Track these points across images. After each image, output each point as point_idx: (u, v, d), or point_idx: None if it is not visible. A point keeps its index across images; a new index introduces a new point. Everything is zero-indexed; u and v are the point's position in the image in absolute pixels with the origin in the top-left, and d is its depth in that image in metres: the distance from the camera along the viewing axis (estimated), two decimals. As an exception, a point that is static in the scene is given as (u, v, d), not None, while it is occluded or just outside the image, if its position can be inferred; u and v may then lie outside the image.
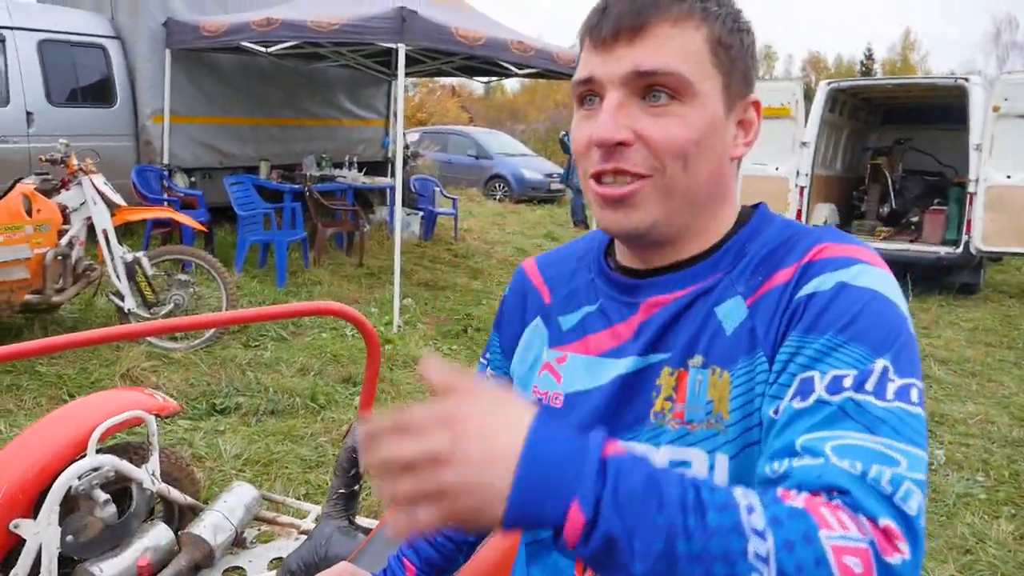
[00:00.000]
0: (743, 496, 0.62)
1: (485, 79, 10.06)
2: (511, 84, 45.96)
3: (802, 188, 8.29)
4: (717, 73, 0.81)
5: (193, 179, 8.02)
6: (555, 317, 0.96)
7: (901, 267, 8.12)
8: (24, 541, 1.75)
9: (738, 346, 0.79)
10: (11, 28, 6.91)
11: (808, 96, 8.66)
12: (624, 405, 0.85)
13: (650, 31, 0.79)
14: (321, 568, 1.29)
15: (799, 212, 8.27)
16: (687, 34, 0.80)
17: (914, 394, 0.70)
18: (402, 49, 6.00)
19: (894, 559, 0.61)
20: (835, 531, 0.60)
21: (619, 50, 0.79)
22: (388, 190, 8.98)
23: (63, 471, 1.80)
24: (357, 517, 1.74)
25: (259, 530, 2.22)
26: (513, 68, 8.27)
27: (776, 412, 0.73)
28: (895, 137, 9.95)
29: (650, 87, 0.79)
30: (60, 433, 1.89)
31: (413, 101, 27.39)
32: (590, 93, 0.83)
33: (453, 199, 10.09)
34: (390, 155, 10.06)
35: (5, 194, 4.34)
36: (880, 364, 0.70)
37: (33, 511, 1.78)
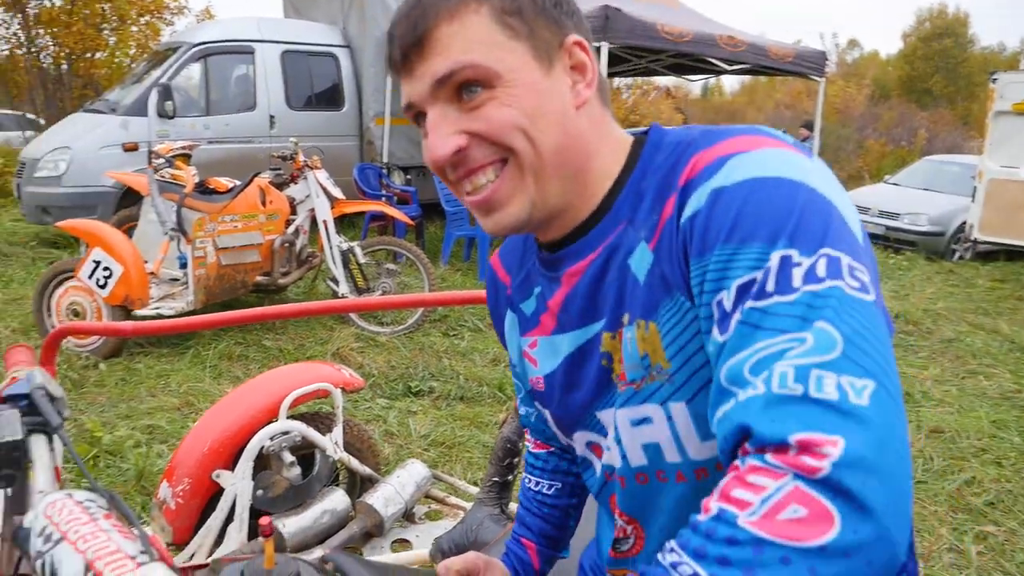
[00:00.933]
0: (664, 559, 0.60)
1: (696, 77, 9.78)
2: (730, 84, 44.34)
3: (1062, 193, 7.22)
4: (517, 43, 0.76)
5: (409, 177, 8.55)
6: (517, 305, 0.96)
7: None
8: (222, 490, 1.94)
9: (654, 293, 0.75)
10: (260, 41, 7.78)
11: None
12: (584, 376, 0.86)
13: (431, 39, 0.76)
14: (469, 551, 1.30)
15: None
16: (467, 24, 0.76)
17: (822, 267, 0.63)
18: (605, 47, 5.98)
19: (823, 465, 0.54)
20: (752, 503, 0.56)
21: (417, 69, 0.77)
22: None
23: (258, 432, 1.97)
24: (510, 505, 1.74)
25: (429, 507, 2.30)
26: (723, 65, 7.96)
27: (708, 349, 0.69)
28: None
29: (457, 87, 0.76)
30: (258, 398, 2.07)
31: (627, 103, 27.30)
32: (420, 115, 0.80)
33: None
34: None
35: (244, 187, 4.87)
36: (777, 256, 0.64)
37: (231, 464, 1.97)
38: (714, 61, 7.72)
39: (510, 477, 1.73)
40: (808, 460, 0.55)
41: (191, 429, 2.06)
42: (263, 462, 2.01)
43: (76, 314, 4.39)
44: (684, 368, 0.74)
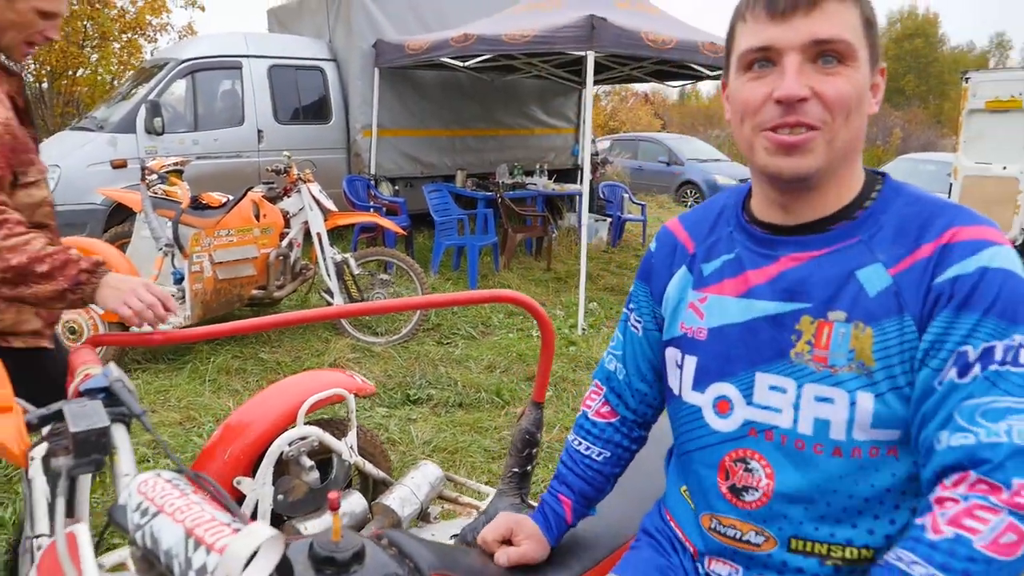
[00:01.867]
0: (907, 567, 0.85)
1: (678, 83, 9.92)
2: (706, 89, 44.76)
3: (1036, 188, 7.40)
4: (866, 43, 0.97)
5: (396, 188, 8.61)
6: (698, 264, 1.13)
7: None
8: (244, 496, 2.00)
9: (882, 307, 0.95)
10: (247, 56, 7.83)
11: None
12: (763, 341, 1.03)
13: (822, 5, 0.93)
14: (500, 517, 1.39)
15: (1032, 216, 7.39)
16: (849, 10, 0.95)
17: None
18: (591, 56, 6.08)
19: None
20: (982, 531, 0.82)
21: (796, 21, 0.94)
22: (576, 196, 9.11)
23: (277, 438, 2.03)
24: (529, 496, 1.81)
25: (442, 508, 2.36)
26: (705, 71, 8.10)
27: (939, 383, 0.91)
28: None
29: (822, 53, 0.94)
30: (275, 405, 2.12)
31: (605, 110, 27.49)
32: (764, 59, 0.97)
33: (642, 205, 10.04)
34: (579, 162, 10.20)
35: (238, 201, 4.92)
36: (1019, 337, 0.89)
37: (252, 471, 2.03)
38: (696, 67, 7.86)
39: (529, 467, 1.80)
40: (1020, 500, 0.83)
41: (211, 438, 2.11)
42: (282, 468, 2.06)
43: (73, 332, 4.41)
44: (884, 371, 0.94)
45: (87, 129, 7.39)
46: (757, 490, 1.03)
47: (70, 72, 13.15)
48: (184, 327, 4.66)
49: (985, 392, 0.87)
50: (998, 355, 0.88)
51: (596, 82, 8.88)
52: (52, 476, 0.89)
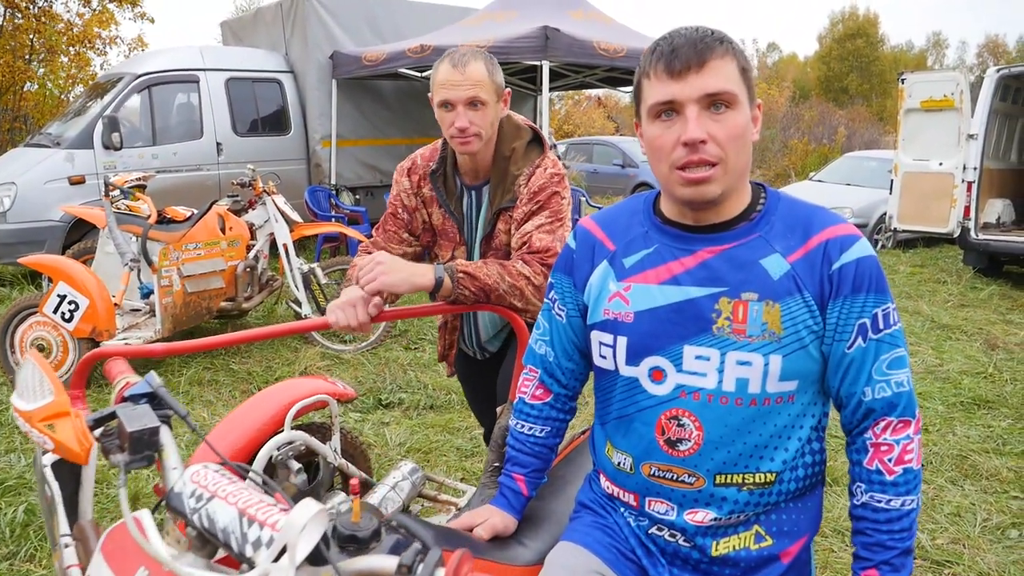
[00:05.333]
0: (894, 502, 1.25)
1: (629, 89, 10.18)
2: (657, 90, 45.24)
3: (970, 183, 7.77)
4: (744, 88, 1.22)
5: (358, 197, 8.69)
6: (619, 259, 1.36)
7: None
8: (237, 499, 2.10)
9: (784, 288, 1.23)
10: (204, 69, 7.84)
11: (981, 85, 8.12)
12: (689, 319, 1.27)
13: (710, 64, 1.18)
14: (483, 507, 1.55)
15: (967, 209, 7.76)
16: (728, 65, 1.20)
17: (895, 314, 1.26)
18: (546, 65, 6.27)
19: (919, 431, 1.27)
20: (913, 457, 1.25)
21: (690, 79, 1.18)
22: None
23: (266, 443, 2.14)
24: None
25: (422, 506, 2.49)
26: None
27: (850, 349, 1.24)
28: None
29: (713, 102, 1.19)
30: (263, 411, 2.23)
31: (560, 114, 27.76)
32: (669, 109, 1.21)
33: (599, 208, 10.25)
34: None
35: (203, 215, 4.98)
36: (891, 305, 1.25)
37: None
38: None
39: (508, 461, 1.95)
40: (919, 424, 1.27)
41: (199, 447, 2.21)
42: (270, 471, 2.17)
43: (41, 349, 4.43)
44: (791, 335, 1.22)
45: (42, 146, 7.33)
46: (689, 441, 1.28)
47: (17, 87, 12.91)
48: (153, 341, 4.71)
49: (885, 351, 1.24)
50: (880, 320, 1.23)
51: (551, 89, 9.07)
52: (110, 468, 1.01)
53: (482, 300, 1.96)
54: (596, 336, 1.37)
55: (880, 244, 9.83)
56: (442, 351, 2.54)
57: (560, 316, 1.47)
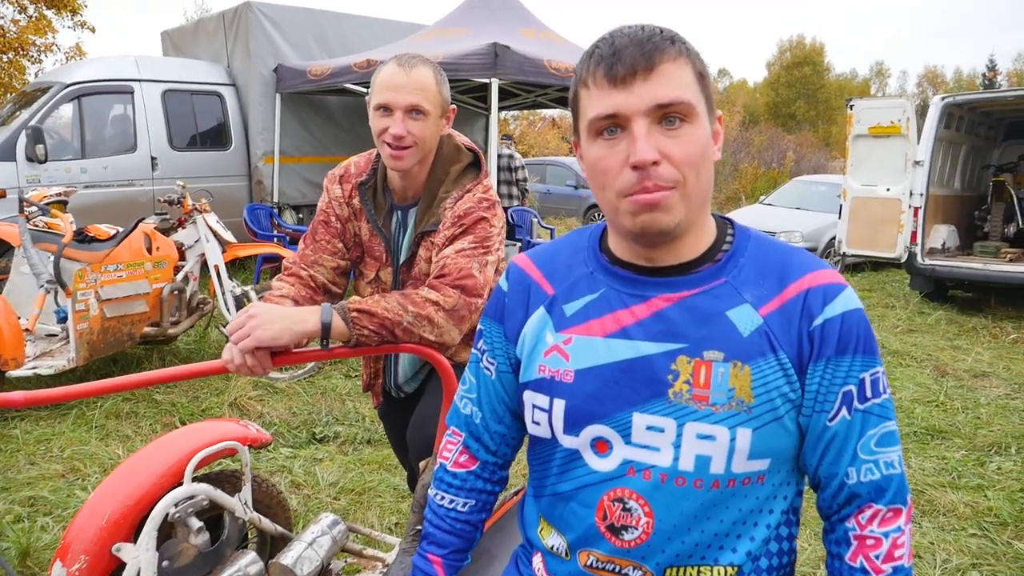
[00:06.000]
0: None
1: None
2: (610, 112, 45.93)
3: (916, 209, 7.84)
4: (702, 97, 1.00)
5: (301, 216, 8.39)
6: (559, 305, 1.12)
7: (1031, 292, 7.57)
8: (124, 564, 1.84)
9: (756, 346, 1.00)
10: (139, 80, 7.49)
11: (923, 113, 8.22)
12: (639, 381, 1.03)
13: (660, 69, 0.96)
14: None
15: (913, 234, 7.82)
16: (682, 69, 0.98)
17: (884, 380, 1.05)
18: (495, 83, 6.11)
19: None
20: (903, 553, 1.03)
21: (636, 87, 0.95)
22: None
23: (161, 498, 1.88)
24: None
25: (345, 562, 2.25)
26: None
27: (831, 421, 1.02)
28: (1020, 152, 9.29)
29: (666, 115, 0.96)
30: (159, 462, 1.97)
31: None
32: (612, 125, 0.98)
33: (551, 229, 10.13)
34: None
35: (128, 234, 4.65)
36: (880, 368, 1.03)
37: (133, 536, 1.87)
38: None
39: (432, 526, 1.72)
40: (910, 513, 1.05)
41: (86, 501, 1.94)
42: (167, 530, 1.91)
43: (-59, 378, 4.05)
44: (764, 405, 1.00)
45: (-40, 157, 6.89)
46: (636, 529, 1.05)
47: (-56, 94, 12.30)
48: (66, 372, 4.36)
49: (873, 424, 1.03)
50: (868, 387, 1.02)
51: (502, 108, 8.94)
52: None
53: (388, 339, 1.73)
54: (529, 397, 1.13)
55: (829, 268, 9.87)
56: (367, 380, 2.31)
57: (489, 370, 1.23)
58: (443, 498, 1.29)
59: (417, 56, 1.88)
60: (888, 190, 8.03)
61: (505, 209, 9.20)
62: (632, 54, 0.96)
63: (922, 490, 3.59)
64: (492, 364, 1.22)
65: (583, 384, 1.06)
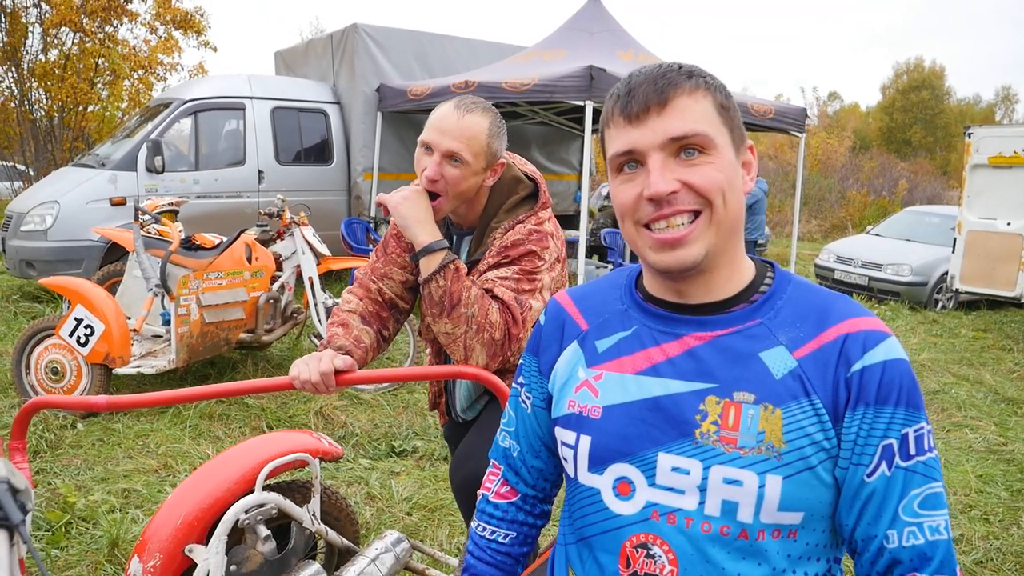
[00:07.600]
0: None
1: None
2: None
3: (1040, 246, 7.31)
4: (724, 128, 1.00)
5: (396, 231, 8.59)
6: (591, 341, 1.12)
7: None
8: (195, 565, 1.90)
9: (788, 389, 0.97)
10: (251, 97, 7.88)
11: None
12: (666, 420, 1.01)
13: (674, 104, 0.98)
14: None
15: (1036, 273, 7.28)
16: (700, 102, 0.99)
17: (930, 438, 0.98)
18: (590, 106, 6.10)
19: None
20: None
21: (651, 122, 0.98)
22: (575, 243, 9.07)
23: (233, 504, 1.93)
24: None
25: (408, 579, 2.25)
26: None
27: (869, 476, 0.96)
28: None
29: (683, 147, 0.98)
30: (233, 468, 2.03)
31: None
32: (631, 160, 1.01)
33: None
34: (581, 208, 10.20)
35: (231, 243, 4.88)
36: (925, 425, 0.97)
37: (206, 538, 1.93)
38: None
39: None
40: None
41: (165, 501, 2.02)
42: (238, 535, 1.97)
43: (55, 372, 4.34)
44: (795, 452, 0.95)
45: (88, 166, 7.42)
46: None
47: (80, 107, 13.30)
48: (168, 372, 4.59)
49: (917, 484, 0.96)
50: (912, 443, 0.96)
51: (596, 130, 8.91)
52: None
53: (443, 311, 1.77)
54: (559, 433, 1.12)
55: (940, 304, 9.31)
56: (432, 398, 2.32)
57: (526, 404, 1.23)
58: (484, 529, 1.28)
59: (478, 103, 1.87)
60: (1009, 224, 7.53)
61: (597, 232, 9.16)
62: (645, 91, 0.99)
63: (1033, 553, 3.30)
64: (529, 399, 1.23)
65: (610, 421, 1.05)
